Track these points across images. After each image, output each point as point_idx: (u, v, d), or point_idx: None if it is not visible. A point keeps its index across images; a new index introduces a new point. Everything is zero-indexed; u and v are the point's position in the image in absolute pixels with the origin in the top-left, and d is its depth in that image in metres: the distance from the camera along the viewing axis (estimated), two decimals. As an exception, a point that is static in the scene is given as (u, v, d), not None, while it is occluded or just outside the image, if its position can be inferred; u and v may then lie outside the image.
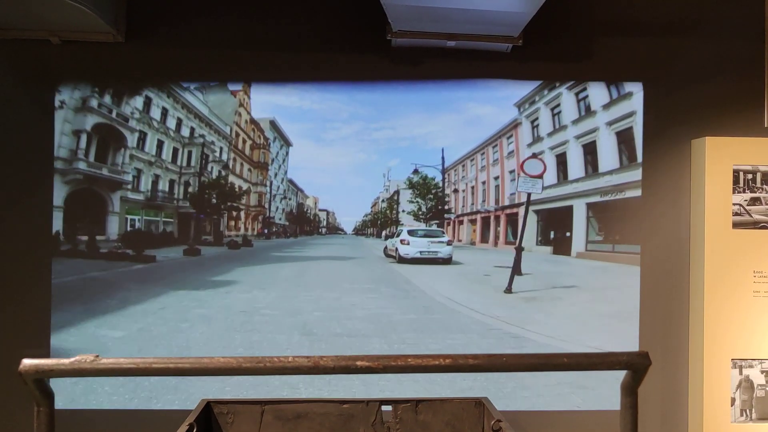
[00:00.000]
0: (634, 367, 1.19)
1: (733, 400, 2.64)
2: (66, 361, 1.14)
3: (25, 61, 2.62)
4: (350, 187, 2.98)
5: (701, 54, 2.78)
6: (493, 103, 2.83)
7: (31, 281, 2.64)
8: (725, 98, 2.77)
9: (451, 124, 2.84)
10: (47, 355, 2.63)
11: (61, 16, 2.34)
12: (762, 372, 2.65)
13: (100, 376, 1.20)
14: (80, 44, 2.60)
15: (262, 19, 2.69)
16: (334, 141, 2.86)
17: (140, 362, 1.14)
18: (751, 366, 2.65)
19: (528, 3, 2.24)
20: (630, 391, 1.23)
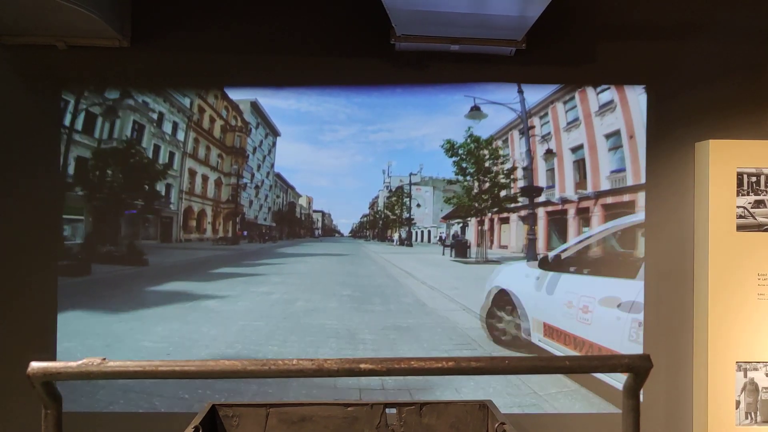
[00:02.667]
0: (636, 369, 1.20)
1: (737, 403, 2.64)
2: (73, 363, 1.15)
3: (32, 65, 2.64)
4: (347, 190, 2.92)
5: (705, 57, 2.78)
6: (488, 106, 2.80)
7: (36, 284, 2.66)
8: (729, 101, 2.77)
9: (448, 126, 2.83)
10: (53, 358, 2.64)
11: (68, 21, 2.36)
12: (767, 375, 2.65)
13: (107, 379, 1.22)
14: (86, 49, 2.62)
15: (266, 24, 2.71)
16: (332, 143, 2.84)
17: (146, 365, 1.15)
18: (755, 369, 2.65)
19: (531, 7, 2.25)
20: (632, 393, 1.24)
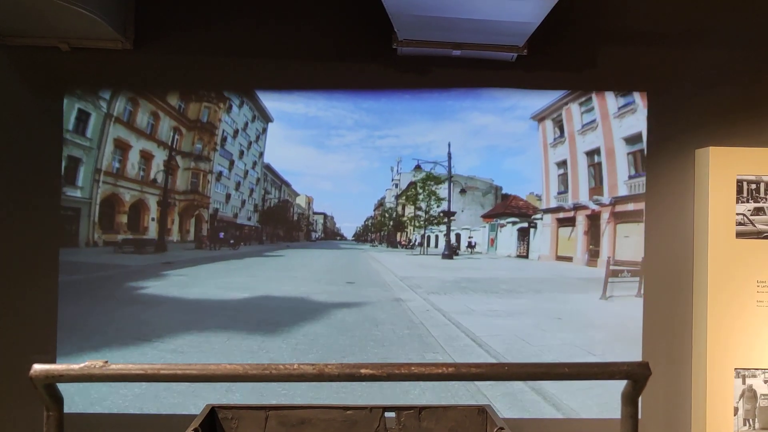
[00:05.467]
0: (635, 376, 1.21)
1: (736, 410, 2.64)
2: (75, 366, 1.16)
3: (35, 67, 2.65)
4: (352, 194, 2.82)
5: (706, 64, 2.79)
6: (496, 114, 2.77)
7: (37, 285, 2.66)
8: (729, 108, 2.78)
9: (454, 133, 2.82)
10: (54, 359, 2.65)
11: (71, 23, 2.37)
12: (765, 381, 2.65)
13: (108, 382, 1.22)
14: (89, 51, 2.63)
15: (269, 28, 2.71)
16: (338, 148, 2.78)
17: (148, 368, 1.16)
18: (754, 375, 2.65)
19: (533, 12, 2.25)
20: (631, 400, 1.24)
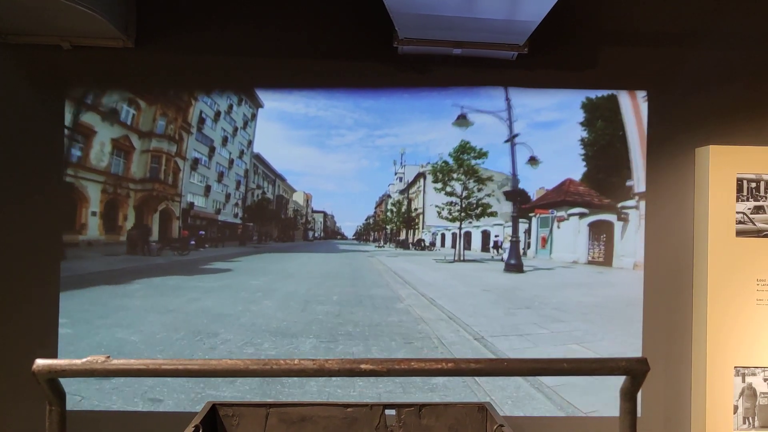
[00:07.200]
0: (633, 372, 1.21)
1: (735, 408, 2.65)
2: (78, 361, 1.17)
3: (37, 65, 2.66)
4: (353, 193, 2.82)
5: (706, 63, 2.79)
6: (497, 111, 2.79)
7: (39, 282, 2.67)
8: (729, 107, 2.78)
9: (454, 131, 2.81)
10: (54, 355, 2.66)
11: (72, 21, 2.38)
12: (765, 380, 2.66)
13: (110, 377, 1.23)
14: (91, 49, 2.63)
15: (270, 27, 2.72)
16: (339, 147, 2.78)
17: (150, 363, 1.16)
18: (753, 374, 2.66)
19: (534, 11, 2.26)
20: (629, 396, 1.25)
